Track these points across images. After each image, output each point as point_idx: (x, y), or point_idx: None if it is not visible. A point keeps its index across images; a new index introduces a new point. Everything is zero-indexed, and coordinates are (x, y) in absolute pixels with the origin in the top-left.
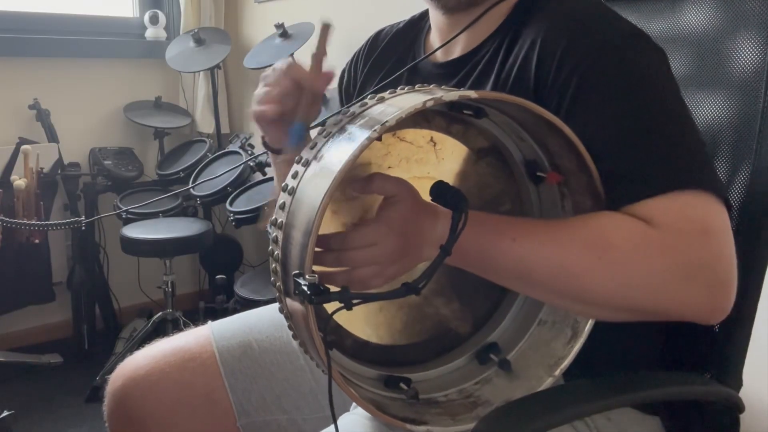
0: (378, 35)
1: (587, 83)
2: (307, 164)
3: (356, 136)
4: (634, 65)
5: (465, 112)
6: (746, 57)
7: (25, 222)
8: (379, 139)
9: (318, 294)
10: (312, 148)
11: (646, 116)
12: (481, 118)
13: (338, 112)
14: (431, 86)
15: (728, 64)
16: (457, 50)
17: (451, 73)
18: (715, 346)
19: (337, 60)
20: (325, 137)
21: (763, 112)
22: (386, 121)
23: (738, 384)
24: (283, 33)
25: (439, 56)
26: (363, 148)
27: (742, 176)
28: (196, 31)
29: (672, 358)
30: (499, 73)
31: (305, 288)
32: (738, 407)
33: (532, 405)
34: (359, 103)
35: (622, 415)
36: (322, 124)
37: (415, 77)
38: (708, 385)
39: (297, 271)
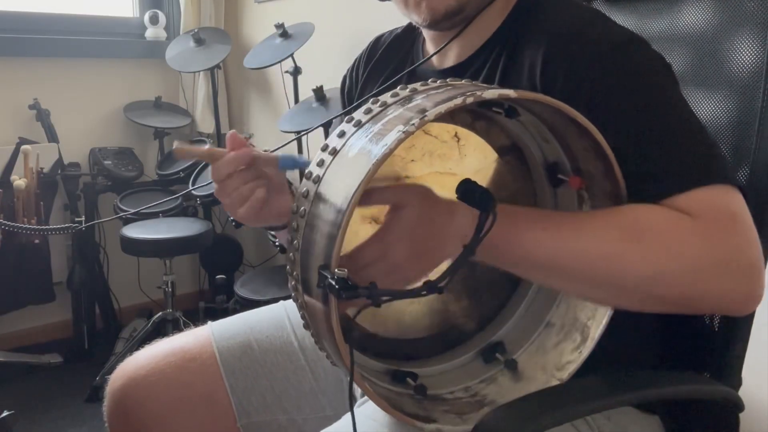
0: (377, 41)
1: (599, 91)
2: (334, 153)
3: (390, 128)
4: (642, 67)
5: (495, 109)
6: (744, 57)
7: (25, 226)
8: (413, 132)
9: (346, 289)
10: (340, 137)
11: (662, 115)
12: (513, 117)
13: (367, 101)
14: (463, 81)
15: (727, 64)
16: (451, 58)
17: None
18: (715, 346)
19: (338, 60)
20: (355, 126)
21: (762, 112)
22: (425, 116)
23: (737, 383)
24: (283, 33)
25: (435, 63)
26: (399, 141)
27: (741, 175)
28: (196, 31)
29: (672, 358)
30: (501, 82)
31: (333, 282)
32: (737, 406)
33: (532, 404)
34: (390, 93)
35: (622, 415)
36: (327, 125)
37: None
38: (707, 384)
39: (323, 263)
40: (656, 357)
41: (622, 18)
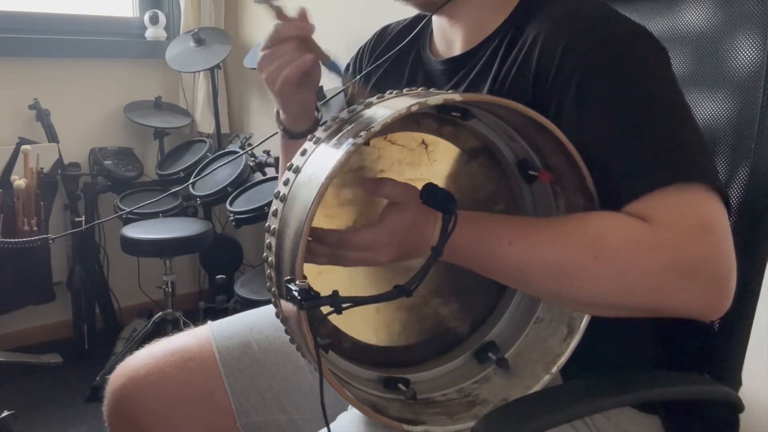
0: (384, 30)
1: (587, 83)
2: (297, 171)
3: (343, 142)
4: (633, 63)
5: (453, 114)
6: (745, 57)
7: (24, 240)
8: (367, 144)
9: (309, 299)
10: (302, 155)
11: (643, 114)
12: (469, 119)
13: (330, 119)
14: (419, 89)
15: (727, 64)
16: (458, 47)
17: (452, 69)
18: (715, 346)
19: (338, 59)
20: (315, 144)
21: (762, 112)
22: (371, 127)
23: (737, 383)
24: None
25: (442, 52)
26: (349, 154)
27: (741, 176)
28: (196, 31)
29: (672, 358)
30: (497, 72)
31: (296, 293)
32: (737, 406)
33: (532, 405)
34: (348, 109)
35: (622, 415)
36: (323, 124)
37: (419, 73)
38: (707, 384)
39: (288, 277)
40: (656, 357)
41: None
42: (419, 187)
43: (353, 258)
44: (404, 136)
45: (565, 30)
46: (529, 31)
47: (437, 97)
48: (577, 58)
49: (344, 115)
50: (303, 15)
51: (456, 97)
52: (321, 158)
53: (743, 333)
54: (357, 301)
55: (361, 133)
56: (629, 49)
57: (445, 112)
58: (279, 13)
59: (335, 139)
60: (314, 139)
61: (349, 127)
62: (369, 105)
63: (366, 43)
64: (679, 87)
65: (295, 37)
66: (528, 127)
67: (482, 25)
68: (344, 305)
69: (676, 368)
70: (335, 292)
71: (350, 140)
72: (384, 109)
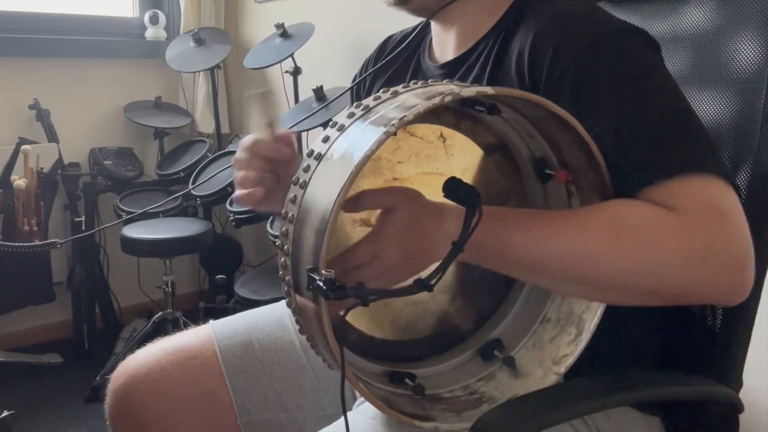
0: (387, 40)
1: (584, 78)
2: (319, 158)
3: (372, 130)
4: (629, 56)
5: (477, 108)
6: (747, 57)
7: (28, 245)
8: (394, 133)
9: (334, 290)
10: (324, 141)
11: (648, 104)
12: (495, 114)
13: (354, 105)
14: (444, 81)
15: (729, 64)
16: (450, 52)
17: (447, 73)
18: (715, 346)
19: (338, 60)
20: (338, 131)
21: (764, 112)
22: (404, 116)
23: (738, 384)
24: (283, 33)
25: (438, 58)
26: (381, 143)
27: (743, 176)
28: (196, 31)
29: (672, 358)
30: (492, 74)
31: (321, 283)
32: (738, 407)
33: (532, 403)
34: (373, 97)
35: (622, 415)
36: (327, 121)
37: (418, 78)
38: (708, 385)
39: (311, 266)
40: (656, 357)
41: (625, 19)
42: (436, 181)
43: (367, 272)
44: (423, 128)
45: (554, 30)
46: (520, 33)
47: (470, 90)
48: (568, 58)
49: (369, 102)
50: (286, 139)
51: (488, 90)
52: (347, 145)
53: (744, 333)
54: (382, 294)
55: (394, 122)
56: (621, 46)
57: (470, 106)
58: (266, 119)
59: (363, 125)
60: (337, 125)
61: (376, 116)
62: (395, 94)
63: (370, 56)
64: (674, 79)
65: (268, 157)
66: (550, 124)
67: (475, 28)
68: (370, 297)
69: (676, 368)
70: (360, 285)
71: (381, 128)
72: (412, 98)
